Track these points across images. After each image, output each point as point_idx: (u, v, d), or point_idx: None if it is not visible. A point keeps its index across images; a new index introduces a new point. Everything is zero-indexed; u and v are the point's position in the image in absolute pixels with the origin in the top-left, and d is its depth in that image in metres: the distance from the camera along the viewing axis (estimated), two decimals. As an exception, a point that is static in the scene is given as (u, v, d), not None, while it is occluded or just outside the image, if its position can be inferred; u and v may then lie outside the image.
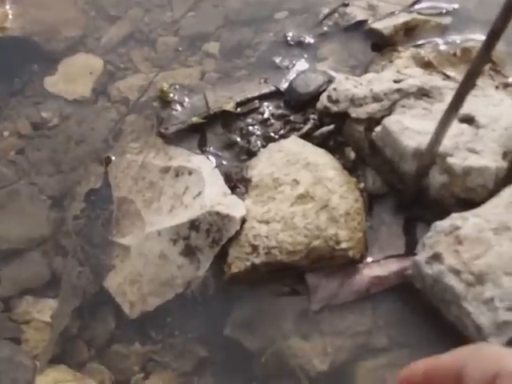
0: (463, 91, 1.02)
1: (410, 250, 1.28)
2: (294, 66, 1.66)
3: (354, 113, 1.40)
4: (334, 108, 1.43)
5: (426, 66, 1.53)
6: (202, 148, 1.53)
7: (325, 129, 1.47)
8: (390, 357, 1.19)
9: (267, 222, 1.27)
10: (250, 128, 1.54)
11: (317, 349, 1.22)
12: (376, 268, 1.26)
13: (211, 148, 1.52)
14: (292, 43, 1.71)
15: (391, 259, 1.27)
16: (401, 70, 1.47)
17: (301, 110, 1.55)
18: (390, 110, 1.38)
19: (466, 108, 1.31)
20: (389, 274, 1.25)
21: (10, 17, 1.87)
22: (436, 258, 1.13)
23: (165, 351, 1.29)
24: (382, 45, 1.64)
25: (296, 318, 1.26)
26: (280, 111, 1.56)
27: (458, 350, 0.80)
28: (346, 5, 1.75)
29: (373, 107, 1.39)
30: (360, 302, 1.25)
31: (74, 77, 1.76)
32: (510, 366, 0.68)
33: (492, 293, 1.05)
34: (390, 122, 1.33)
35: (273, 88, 1.61)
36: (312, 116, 1.51)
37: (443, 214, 1.22)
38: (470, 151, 1.26)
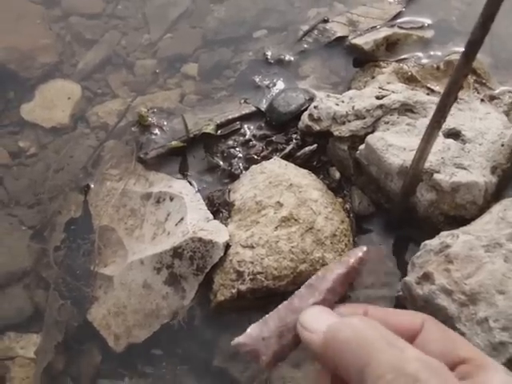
0: (445, 105, 0.99)
1: (400, 270, 1.25)
2: (274, 85, 1.63)
3: (337, 131, 1.37)
4: (316, 127, 1.41)
5: (409, 80, 1.51)
6: (183, 172, 1.49)
7: (307, 148, 1.44)
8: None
9: (252, 247, 1.23)
10: (232, 150, 1.51)
11: (309, 377, 1.18)
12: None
13: (192, 172, 1.49)
14: (272, 62, 1.69)
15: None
16: (383, 85, 1.44)
17: (283, 129, 1.52)
18: (373, 127, 1.35)
19: (452, 122, 1.29)
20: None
21: (-17, 45, 1.84)
22: (426, 277, 1.09)
23: (154, 385, 1.25)
24: (364, 60, 1.62)
25: (286, 345, 1.22)
26: (262, 132, 1.54)
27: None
28: (326, 21, 1.73)
29: (356, 125, 1.36)
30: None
31: (51, 103, 1.72)
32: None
33: (486, 313, 1.01)
34: (374, 139, 1.31)
35: (253, 108, 1.59)
36: (294, 136, 1.49)
37: (433, 232, 1.19)
38: (458, 167, 1.23)
